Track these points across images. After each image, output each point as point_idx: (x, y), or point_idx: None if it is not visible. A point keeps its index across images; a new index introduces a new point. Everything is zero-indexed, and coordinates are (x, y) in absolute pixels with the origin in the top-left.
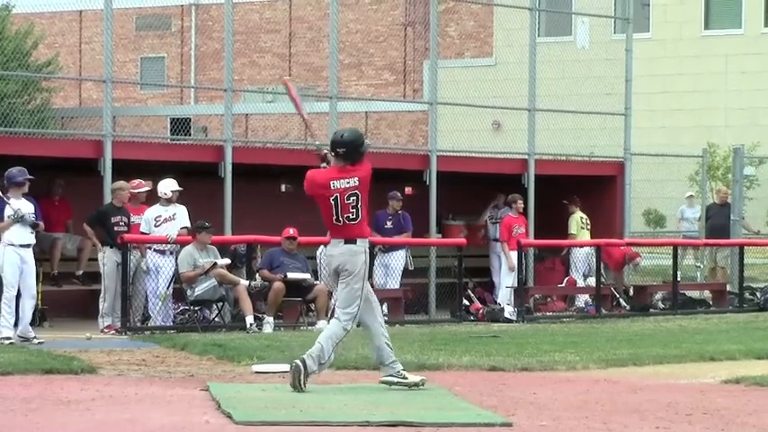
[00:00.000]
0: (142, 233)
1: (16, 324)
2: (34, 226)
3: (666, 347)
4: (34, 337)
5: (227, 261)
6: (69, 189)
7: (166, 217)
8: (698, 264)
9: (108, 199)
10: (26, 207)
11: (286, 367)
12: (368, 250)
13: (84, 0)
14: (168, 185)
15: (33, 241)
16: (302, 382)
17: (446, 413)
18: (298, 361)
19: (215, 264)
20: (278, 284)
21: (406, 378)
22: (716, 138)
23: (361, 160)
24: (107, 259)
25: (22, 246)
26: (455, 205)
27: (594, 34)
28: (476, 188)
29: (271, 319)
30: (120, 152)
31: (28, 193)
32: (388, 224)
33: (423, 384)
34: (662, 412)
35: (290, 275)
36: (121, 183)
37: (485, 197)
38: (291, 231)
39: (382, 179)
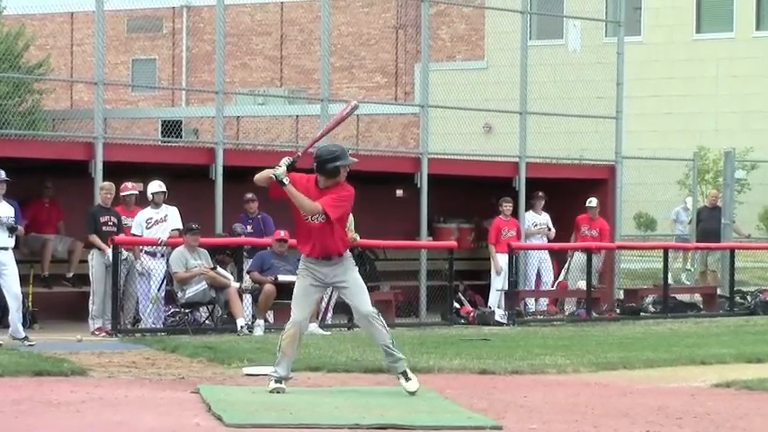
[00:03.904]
0: (134, 236)
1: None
2: (12, 229)
3: (657, 351)
4: (25, 338)
5: (237, 284)
6: (60, 191)
7: (157, 219)
8: (689, 267)
9: (98, 201)
10: (5, 210)
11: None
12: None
13: (76, 2)
14: (151, 187)
15: (11, 244)
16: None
17: (436, 416)
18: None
19: (216, 267)
20: (269, 287)
21: (271, 384)
22: (707, 142)
23: (335, 177)
24: (95, 261)
25: None
26: (446, 208)
27: (586, 38)
28: (467, 191)
29: (262, 321)
30: (112, 154)
31: (14, 194)
32: (248, 228)
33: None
34: (652, 416)
35: (281, 278)
36: (104, 183)
37: (476, 200)
38: (282, 234)
39: (373, 182)
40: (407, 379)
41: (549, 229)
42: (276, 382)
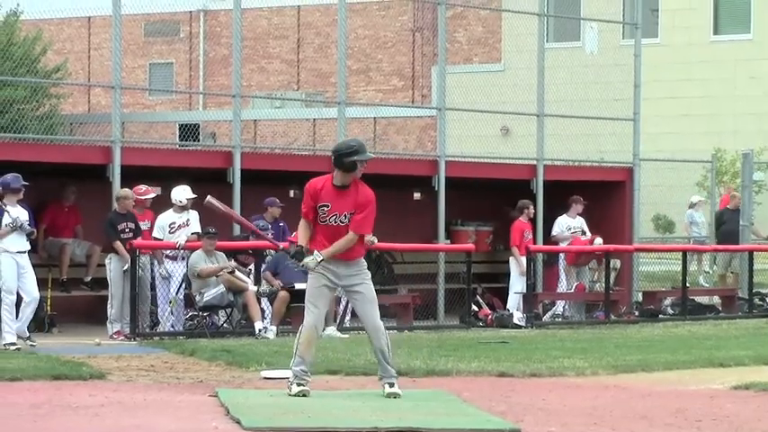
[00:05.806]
0: (155, 239)
1: None
2: (30, 234)
3: (676, 353)
4: (28, 337)
5: (254, 288)
6: (78, 195)
7: (180, 223)
8: (707, 270)
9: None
10: (21, 214)
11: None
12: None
13: (93, 6)
14: (183, 193)
15: (29, 247)
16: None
17: (455, 419)
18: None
19: (234, 270)
20: (283, 294)
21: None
22: (725, 143)
23: (352, 172)
24: (113, 265)
25: (18, 252)
26: (464, 211)
27: (603, 40)
28: (484, 194)
29: (274, 327)
30: (129, 158)
31: (32, 199)
32: (269, 234)
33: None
34: (671, 418)
35: (298, 286)
36: (126, 191)
37: (493, 203)
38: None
39: (390, 185)
40: (391, 385)
41: (584, 233)
42: (298, 385)
